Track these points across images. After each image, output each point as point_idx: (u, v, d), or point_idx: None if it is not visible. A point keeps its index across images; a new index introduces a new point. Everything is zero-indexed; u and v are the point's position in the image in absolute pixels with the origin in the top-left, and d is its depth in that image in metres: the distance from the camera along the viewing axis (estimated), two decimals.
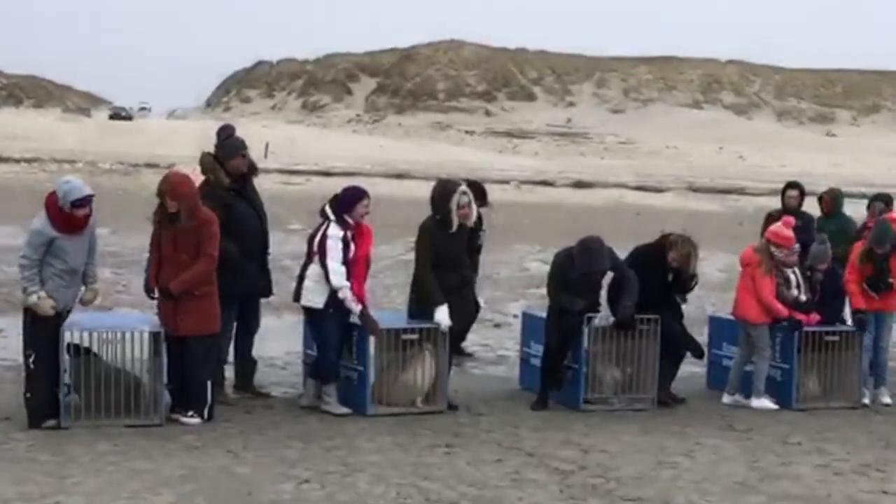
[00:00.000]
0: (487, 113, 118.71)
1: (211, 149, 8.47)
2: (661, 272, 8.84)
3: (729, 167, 66.43)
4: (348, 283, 7.90)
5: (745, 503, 6.22)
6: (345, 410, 8.12)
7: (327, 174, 45.72)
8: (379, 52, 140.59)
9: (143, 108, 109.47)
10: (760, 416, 8.59)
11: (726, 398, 9.07)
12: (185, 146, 55.98)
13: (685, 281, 8.95)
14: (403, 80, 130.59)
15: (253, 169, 8.47)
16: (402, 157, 58.30)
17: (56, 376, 7.41)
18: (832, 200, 10.99)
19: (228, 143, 8.35)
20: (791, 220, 9.31)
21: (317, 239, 8.02)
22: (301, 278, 8.11)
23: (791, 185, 11.09)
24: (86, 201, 7.36)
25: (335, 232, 7.95)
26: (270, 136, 63.58)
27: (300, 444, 7.21)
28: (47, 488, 6.00)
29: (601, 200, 36.70)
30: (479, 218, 10.01)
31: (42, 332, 7.39)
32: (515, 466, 6.84)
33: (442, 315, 8.15)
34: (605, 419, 8.30)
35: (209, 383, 7.70)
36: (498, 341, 11.85)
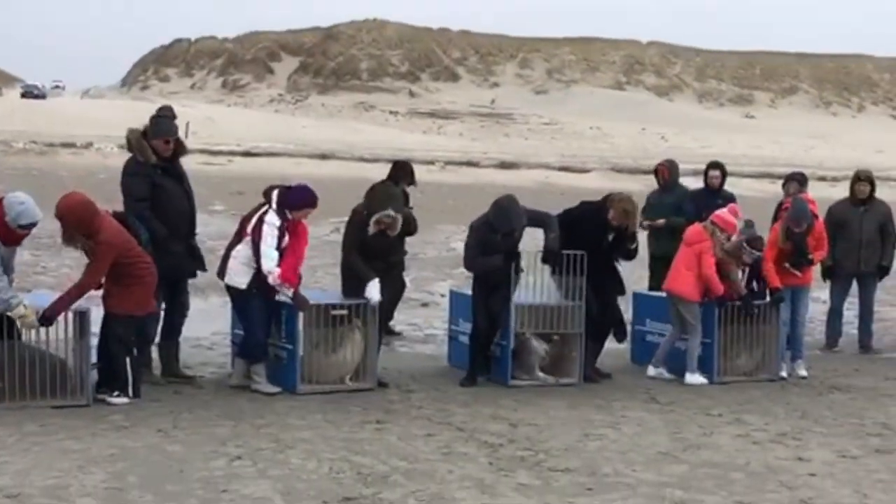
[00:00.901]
0: (411, 93, 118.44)
1: (125, 129, 8.40)
2: (601, 231, 8.93)
3: (651, 148, 67.34)
4: (278, 269, 7.89)
5: (669, 471, 6.40)
6: (275, 389, 8.14)
7: (250, 154, 45.27)
8: (301, 31, 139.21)
9: (56, 87, 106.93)
10: (683, 390, 8.81)
11: (651, 370, 9.28)
12: (101, 125, 54.93)
13: (626, 241, 9.01)
14: (326, 60, 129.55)
15: (181, 148, 8.38)
16: (325, 138, 57.95)
17: None
18: (670, 172, 11.09)
19: (158, 122, 8.23)
20: (736, 207, 9.55)
21: (253, 221, 7.99)
22: (227, 257, 8.09)
23: (713, 165, 11.29)
24: (32, 226, 7.31)
25: (273, 219, 7.94)
26: (190, 116, 62.70)
27: (231, 422, 7.21)
28: None
29: (526, 181, 36.95)
30: (407, 197, 10.09)
31: None
32: (446, 441, 6.93)
33: (373, 289, 8.20)
34: (533, 394, 8.45)
35: (128, 362, 7.63)
36: (426, 320, 11.95)
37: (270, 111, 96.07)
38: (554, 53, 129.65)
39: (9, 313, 7.25)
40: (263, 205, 8.08)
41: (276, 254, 7.89)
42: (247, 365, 8.23)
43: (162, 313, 8.37)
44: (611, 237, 9.00)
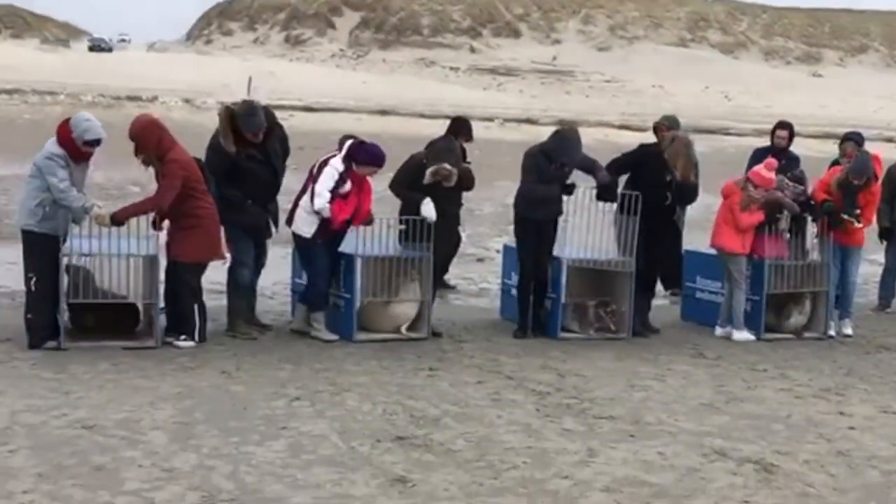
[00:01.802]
0: (472, 49, 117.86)
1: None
2: (660, 170, 9.04)
3: (714, 107, 66.56)
4: (328, 206, 8.13)
5: (710, 422, 6.61)
6: (333, 337, 8.46)
7: (311, 109, 45.64)
8: None
9: (122, 40, 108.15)
10: (730, 346, 8.98)
11: (718, 331, 9.39)
12: (166, 79, 55.73)
13: (685, 186, 9.11)
14: (388, 15, 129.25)
15: (271, 133, 8.39)
16: (386, 94, 58.12)
17: (56, 299, 7.71)
18: (669, 130, 10.94)
19: (246, 120, 8.14)
20: (774, 162, 9.51)
21: (318, 162, 8.29)
22: (295, 206, 8.40)
23: (781, 125, 11.07)
24: (98, 143, 7.67)
25: (336, 164, 8.21)
26: (253, 71, 63.19)
27: (290, 366, 7.55)
28: (53, 401, 6.34)
29: (586, 138, 36.78)
30: (464, 152, 10.29)
31: (42, 255, 7.68)
32: (495, 388, 7.21)
33: (427, 208, 8.42)
34: (582, 347, 8.67)
35: (195, 307, 8.01)
36: (480, 275, 12.19)
37: (332, 66, 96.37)
38: (617, 9, 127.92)
39: (87, 214, 7.63)
40: (333, 153, 8.36)
41: (328, 195, 8.13)
42: (308, 311, 8.56)
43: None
44: (669, 178, 9.10)
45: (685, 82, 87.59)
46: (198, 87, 53.28)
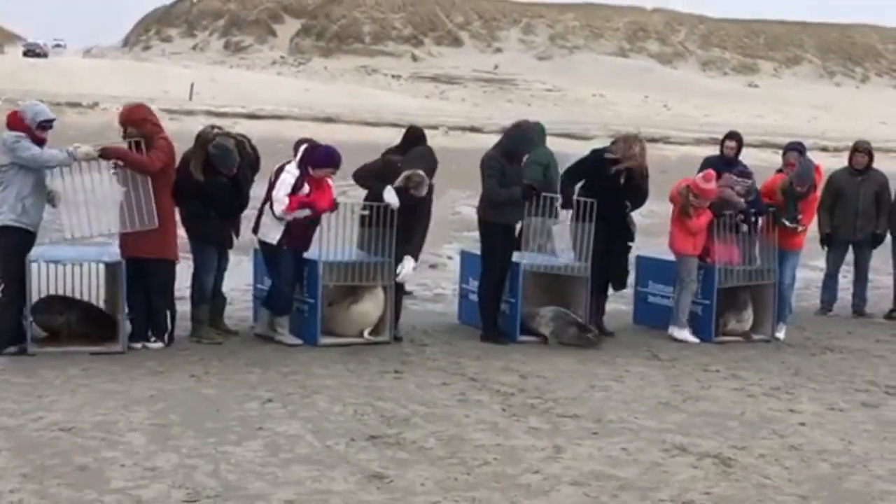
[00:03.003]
0: (414, 58, 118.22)
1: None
2: (611, 173, 9.30)
3: (654, 116, 67.56)
4: (286, 203, 8.26)
5: (669, 419, 6.87)
6: (296, 341, 8.60)
7: (255, 117, 45.48)
8: None
9: (57, 45, 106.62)
10: (683, 348, 9.28)
11: (673, 332, 9.64)
12: (105, 85, 55.10)
13: (636, 185, 9.39)
14: (329, 23, 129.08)
15: (244, 167, 8.51)
16: (328, 101, 58.10)
17: (21, 305, 7.74)
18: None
19: (220, 158, 8.25)
20: (712, 173, 9.77)
21: (275, 169, 8.43)
22: (260, 213, 8.53)
23: (729, 135, 11.13)
24: (50, 124, 7.77)
25: (291, 169, 8.36)
26: (193, 77, 62.77)
27: (258, 369, 7.68)
28: (27, 405, 6.41)
29: None
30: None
31: (14, 256, 7.73)
32: (460, 389, 7.41)
33: (390, 195, 8.57)
34: (541, 350, 8.91)
35: (168, 311, 8.14)
36: (434, 281, 12.39)
37: (273, 73, 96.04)
38: (558, 19, 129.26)
39: (73, 155, 7.72)
40: (288, 160, 8.50)
41: (286, 200, 8.25)
42: (271, 316, 8.69)
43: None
44: (622, 180, 9.37)
45: (625, 92, 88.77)
46: (138, 93, 52.72)
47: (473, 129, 45.47)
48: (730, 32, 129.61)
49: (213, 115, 44.43)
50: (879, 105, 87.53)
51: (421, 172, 8.65)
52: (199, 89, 57.85)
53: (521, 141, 9.13)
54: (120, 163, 7.99)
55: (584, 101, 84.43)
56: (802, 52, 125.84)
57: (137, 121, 8.07)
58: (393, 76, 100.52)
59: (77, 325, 8.02)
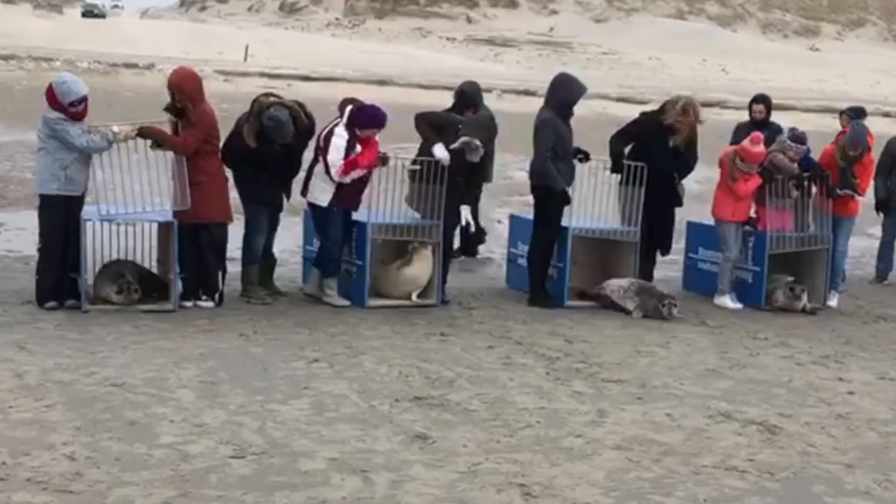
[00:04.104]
0: (469, 20, 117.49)
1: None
2: (662, 133, 9.24)
3: (711, 80, 66.58)
4: (342, 166, 8.33)
5: (714, 386, 6.85)
6: (344, 302, 8.68)
7: (309, 79, 45.58)
8: None
9: (115, 6, 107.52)
10: (732, 315, 9.21)
11: (717, 299, 9.57)
12: (161, 46, 55.58)
13: (688, 151, 9.32)
14: None
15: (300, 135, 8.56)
16: (383, 63, 58.05)
17: (62, 261, 7.90)
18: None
19: (273, 128, 8.31)
20: (759, 135, 9.60)
21: (323, 134, 8.47)
22: (309, 175, 8.59)
23: (756, 98, 11.05)
24: (82, 100, 7.86)
25: (341, 132, 8.39)
26: (248, 39, 63.01)
27: (306, 330, 7.77)
28: (81, 360, 6.56)
29: (584, 110, 36.84)
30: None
31: (49, 219, 7.92)
32: (506, 352, 7.44)
33: (440, 150, 8.62)
34: (588, 315, 8.89)
35: (220, 271, 8.28)
36: (484, 245, 12.39)
37: (327, 35, 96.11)
38: None
39: (112, 141, 7.87)
40: (337, 119, 8.54)
41: (340, 162, 8.32)
42: (321, 277, 8.76)
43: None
44: (671, 143, 9.28)
45: (682, 55, 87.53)
46: (193, 54, 53.17)
47: (528, 93, 45.19)
48: None
49: (267, 76, 44.66)
50: None
51: (477, 142, 8.64)
52: (253, 51, 58.10)
53: (570, 90, 9.05)
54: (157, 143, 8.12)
55: (640, 64, 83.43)
56: (866, 15, 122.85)
57: (189, 91, 8.11)
58: (448, 38, 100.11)
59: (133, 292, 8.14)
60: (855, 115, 10.87)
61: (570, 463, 5.28)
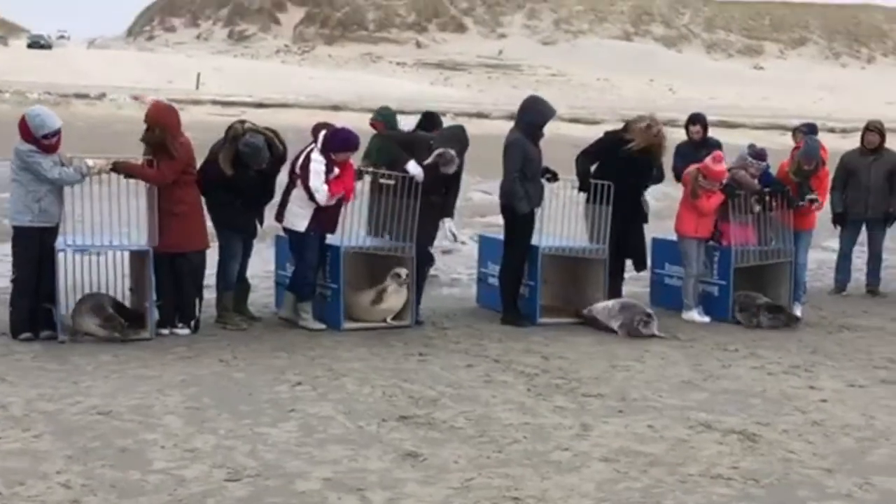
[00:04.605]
0: (418, 44, 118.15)
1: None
2: (626, 155, 9.41)
3: (659, 99, 67.51)
4: (328, 194, 8.44)
5: (692, 398, 6.98)
6: (320, 326, 8.72)
7: (262, 106, 45.55)
8: None
9: (61, 37, 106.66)
10: (701, 328, 9.38)
11: (684, 314, 9.76)
12: (111, 76, 55.23)
13: (651, 162, 9.50)
14: (332, 10, 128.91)
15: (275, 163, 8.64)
16: (334, 89, 58.17)
17: (35, 292, 7.88)
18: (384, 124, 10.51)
19: (250, 155, 8.39)
20: (720, 154, 9.83)
21: (300, 161, 8.53)
22: (284, 201, 8.64)
23: (692, 120, 11.01)
24: (55, 133, 7.86)
25: (318, 157, 8.46)
26: (198, 67, 62.86)
27: (285, 354, 7.80)
28: (64, 391, 6.54)
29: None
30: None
31: (23, 250, 7.91)
32: (485, 370, 7.52)
33: (413, 166, 8.74)
34: (561, 332, 9.01)
35: (197, 298, 8.29)
36: (449, 266, 12.49)
37: (277, 62, 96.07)
38: (562, 4, 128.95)
39: (86, 174, 7.90)
40: (311, 144, 8.61)
41: (325, 187, 8.41)
42: (296, 301, 8.80)
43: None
44: (635, 157, 9.44)
45: (630, 76, 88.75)
46: (143, 84, 52.91)
47: (480, 115, 45.54)
48: (734, 14, 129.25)
49: (220, 104, 44.55)
50: (885, 85, 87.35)
51: (452, 151, 8.77)
52: (204, 79, 57.98)
53: (539, 112, 9.22)
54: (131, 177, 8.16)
55: (589, 85, 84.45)
56: (808, 34, 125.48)
57: (168, 125, 8.16)
58: (397, 63, 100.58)
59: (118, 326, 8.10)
60: (808, 130, 11.14)
61: (559, 476, 5.37)
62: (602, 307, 9.17)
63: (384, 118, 10.51)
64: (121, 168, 8.14)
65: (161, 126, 8.13)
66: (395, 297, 8.84)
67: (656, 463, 5.63)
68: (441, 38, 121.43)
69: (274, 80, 62.80)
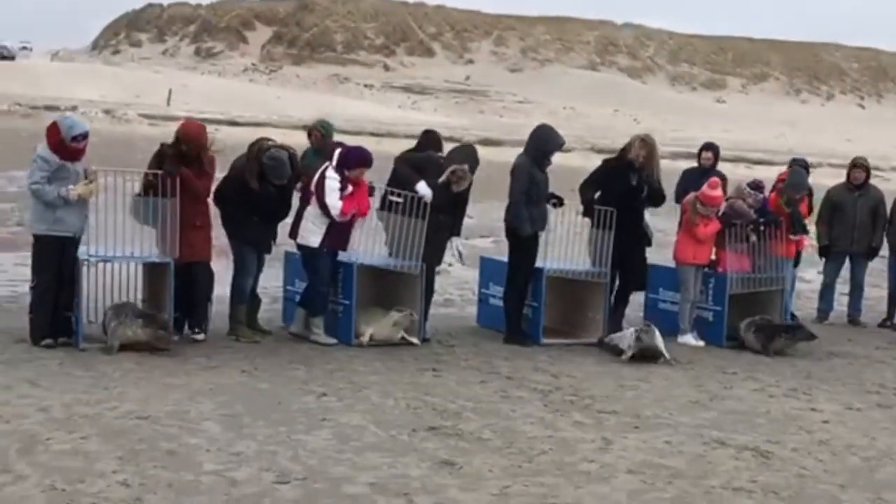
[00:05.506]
0: (386, 67, 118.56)
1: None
2: (625, 175, 9.74)
3: (624, 129, 68.15)
4: (346, 217, 8.70)
5: (701, 416, 7.27)
6: (331, 340, 8.92)
7: (235, 124, 45.59)
8: (275, 1, 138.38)
9: (24, 48, 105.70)
10: (698, 352, 9.69)
11: (679, 338, 10.06)
12: (77, 89, 54.93)
13: (652, 187, 9.79)
14: (301, 31, 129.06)
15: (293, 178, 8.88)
16: (302, 109, 58.25)
17: (55, 300, 8.01)
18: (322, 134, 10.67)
19: (273, 168, 8.63)
20: (717, 181, 10.25)
21: (315, 179, 8.76)
22: (299, 218, 8.85)
23: (706, 146, 11.66)
24: (84, 136, 8.01)
25: (332, 175, 8.70)
26: (165, 83, 62.63)
27: (303, 366, 7.99)
28: (97, 396, 6.69)
29: (511, 157, 37.74)
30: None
31: (43, 258, 8.03)
32: (500, 386, 7.77)
33: (423, 186, 8.98)
34: (564, 352, 9.28)
35: (208, 303, 8.61)
36: (441, 287, 12.70)
37: (245, 80, 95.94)
38: (529, 32, 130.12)
39: (66, 199, 7.92)
40: (325, 164, 8.86)
41: (340, 203, 8.65)
42: (307, 316, 8.99)
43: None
44: (634, 181, 9.75)
45: (595, 105, 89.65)
46: (111, 98, 52.67)
47: (452, 140, 45.96)
48: (698, 48, 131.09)
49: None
50: (844, 122, 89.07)
51: (465, 167, 9.04)
52: (174, 95, 57.78)
53: (547, 140, 9.53)
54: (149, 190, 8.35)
55: (555, 113, 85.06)
56: (769, 70, 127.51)
57: (203, 143, 8.45)
58: (365, 85, 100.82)
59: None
60: (802, 165, 11.57)
61: (591, 485, 5.62)
62: (619, 336, 9.40)
63: (324, 129, 10.60)
64: (170, 178, 8.22)
65: (197, 143, 8.39)
66: (388, 329, 9.00)
67: (679, 476, 5.89)
68: (409, 61, 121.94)
69: (242, 98, 62.72)
